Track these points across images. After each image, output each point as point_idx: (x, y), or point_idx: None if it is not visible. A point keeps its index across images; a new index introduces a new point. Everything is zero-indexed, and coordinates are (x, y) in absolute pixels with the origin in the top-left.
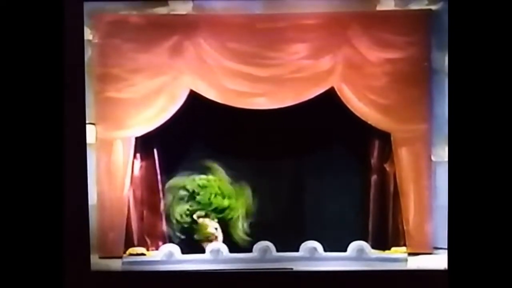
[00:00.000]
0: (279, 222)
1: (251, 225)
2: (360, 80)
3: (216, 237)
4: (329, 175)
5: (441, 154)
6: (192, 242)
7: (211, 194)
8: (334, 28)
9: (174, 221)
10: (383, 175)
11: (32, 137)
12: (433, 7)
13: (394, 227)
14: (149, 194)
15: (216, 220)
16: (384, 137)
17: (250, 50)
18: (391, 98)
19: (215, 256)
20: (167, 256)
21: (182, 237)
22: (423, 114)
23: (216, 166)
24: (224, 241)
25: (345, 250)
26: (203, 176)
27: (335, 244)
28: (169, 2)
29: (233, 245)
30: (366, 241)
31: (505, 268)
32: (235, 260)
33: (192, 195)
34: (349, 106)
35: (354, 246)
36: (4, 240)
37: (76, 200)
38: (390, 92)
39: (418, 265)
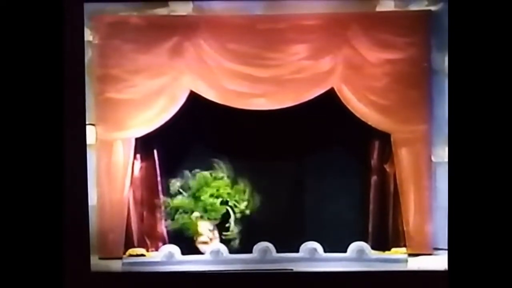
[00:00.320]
0: (279, 223)
1: (251, 226)
2: (360, 80)
3: (212, 239)
4: (329, 175)
5: (441, 154)
6: (191, 243)
7: (210, 195)
8: (334, 29)
9: (173, 222)
10: (383, 176)
11: (32, 138)
12: (433, 8)
13: (394, 228)
14: (149, 195)
15: (213, 221)
16: (384, 138)
17: (250, 51)
18: (391, 99)
19: (215, 257)
20: (167, 257)
21: (181, 238)
22: (423, 114)
23: (215, 167)
24: (222, 242)
25: (345, 251)
26: (202, 177)
27: (335, 245)
28: (169, 3)
29: (232, 246)
30: (366, 242)
31: (505, 269)
32: (235, 261)
33: (191, 197)
34: (349, 107)
35: (354, 247)
36: (5, 240)
37: (76, 201)
38: (390, 92)
39: (418, 266)
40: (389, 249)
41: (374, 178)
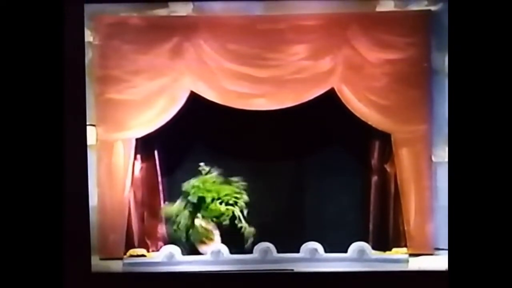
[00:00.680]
0: (280, 223)
1: (251, 227)
2: (360, 81)
3: (214, 240)
4: (329, 176)
5: (442, 154)
6: (191, 244)
7: (210, 197)
8: (334, 29)
9: (174, 225)
10: (384, 176)
11: (32, 139)
12: (433, 8)
13: (394, 228)
14: (150, 196)
15: (214, 223)
16: (385, 138)
17: (250, 51)
18: (391, 99)
19: (216, 257)
20: (168, 258)
21: (182, 240)
22: (423, 114)
23: (215, 168)
24: (223, 243)
25: (345, 251)
26: (202, 180)
27: (336, 245)
28: (169, 3)
29: (233, 247)
30: (367, 242)
31: (506, 269)
32: (235, 261)
33: (192, 199)
34: (349, 107)
35: (355, 247)
36: (5, 241)
37: (77, 202)
38: (390, 93)
39: (419, 266)
40: (389, 249)
41: (374, 178)
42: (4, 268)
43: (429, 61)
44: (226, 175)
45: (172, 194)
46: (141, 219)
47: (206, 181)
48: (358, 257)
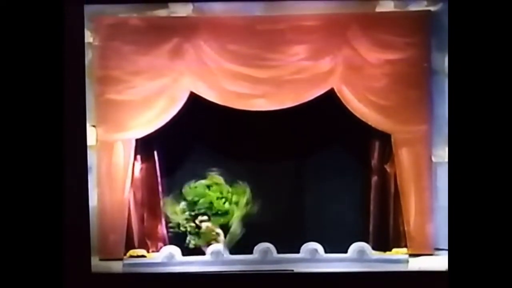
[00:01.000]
0: (280, 224)
1: (251, 227)
2: (360, 81)
3: (218, 241)
4: (329, 176)
5: (442, 154)
6: (193, 245)
7: (213, 198)
8: (334, 30)
9: (176, 226)
10: (384, 176)
11: (32, 139)
12: (433, 8)
13: (395, 228)
14: (150, 196)
15: (218, 223)
16: (385, 138)
17: (250, 52)
18: (391, 99)
19: (216, 258)
20: (168, 258)
21: (185, 240)
22: (423, 115)
23: (216, 169)
24: (224, 243)
25: (346, 252)
26: (203, 181)
27: (336, 245)
28: (169, 4)
29: (234, 247)
30: (367, 242)
31: (506, 269)
32: (235, 261)
33: (194, 200)
34: (349, 107)
35: (355, 247)
36: (5, 242)
37: (77, 202)
38: (390, 93)
39: (419, 266)
40: (389, 250)
41: (374, 179)
42: (4, 268)
43: (429, 61)
44: (226, 176)
45: (172, 195)
46: (141, 220)
47: (207, 181)
48: (358, 257)
